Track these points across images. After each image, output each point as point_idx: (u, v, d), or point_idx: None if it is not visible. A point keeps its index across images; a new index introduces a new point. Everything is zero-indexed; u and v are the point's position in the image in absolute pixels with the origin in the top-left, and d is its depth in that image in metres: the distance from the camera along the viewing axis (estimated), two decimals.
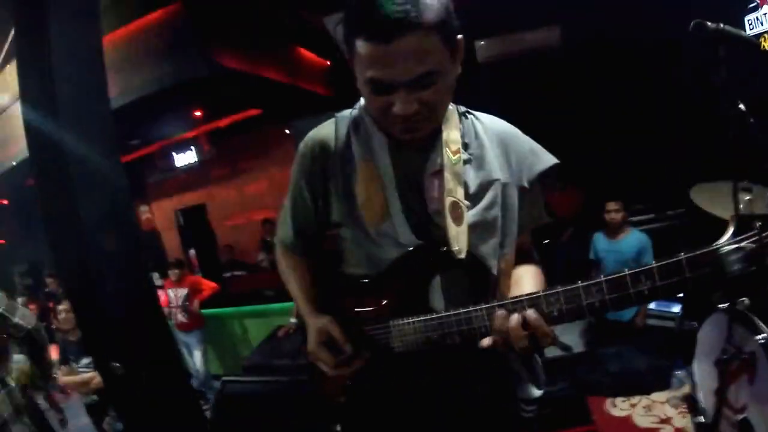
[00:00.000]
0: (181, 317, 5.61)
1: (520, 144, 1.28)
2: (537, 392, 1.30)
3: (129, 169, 8.69)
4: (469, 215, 1.18)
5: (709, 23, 2.05)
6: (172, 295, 5.67)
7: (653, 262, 0.90)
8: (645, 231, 4.33)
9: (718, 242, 0.86)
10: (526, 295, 1.03)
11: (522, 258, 1.31)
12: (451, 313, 1.11)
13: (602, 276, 0.94)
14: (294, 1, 6.05)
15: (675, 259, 0.87)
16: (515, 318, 1.01)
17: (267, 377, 3.31)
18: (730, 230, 0.86)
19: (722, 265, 0.85)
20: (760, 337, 2.20)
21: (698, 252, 0.86)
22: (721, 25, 2.04)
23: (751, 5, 4.09)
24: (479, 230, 1.19)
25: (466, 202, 1.19)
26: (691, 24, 2.08)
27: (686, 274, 0.87)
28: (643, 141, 6.09)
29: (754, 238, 0.84)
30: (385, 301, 1.22)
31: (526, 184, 1.26)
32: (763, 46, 4.05)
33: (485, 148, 1.24)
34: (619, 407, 3.12)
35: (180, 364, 3.97)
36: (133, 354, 3.20)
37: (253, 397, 3.24)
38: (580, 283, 0.96)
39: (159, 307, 3.88)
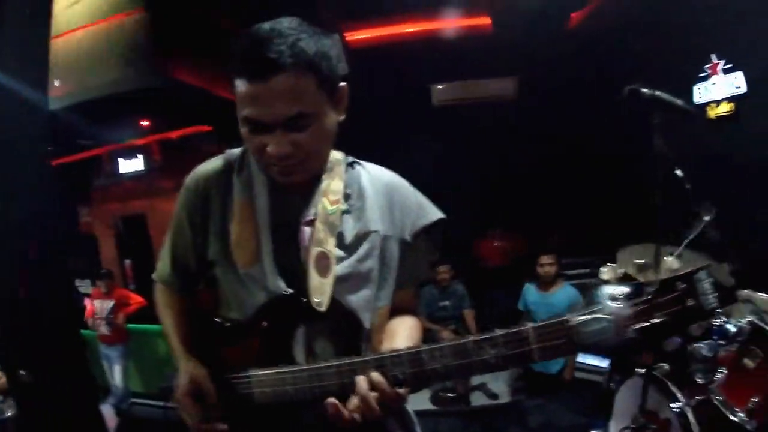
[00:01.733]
0: (104, 329, 5.49)
1: (407, 197, 1.28)
2: None
3: (75, 171, 8.45)
4: (342, 266, 1.16)
5: (644, 90, 2.11)
6: (98, 306, 5.56)
7: None
8: (577, 285, 4.43)
9: (567, 315, 0.85)
10: (372, 355, 1.03)
11: (402, 311, 1.28)
12: (304, 368, 1.08)
13: (444, 342, 0.95)
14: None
15: (522, 329, 0.87)
16: (361, 387, 0.99)
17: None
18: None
19: (572, 338, 0.84)
20: (675, 405, 2.22)
21: (546, 323, 0.86)
22: (656, 92, 2.11)
23: (701, 74, 4.27)
24: (351, 282, 1.17)
25: (340, 253, 1.17)
26: (625, 90, 2.15)
27: (531, 345, 0.87)
28: (583, 197, 6.29)
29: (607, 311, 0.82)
30: (248, 348, 1.17)
31: (408, 238, 1.25)
32: (709, 115, 4.23)
33: (367, 199, 1.23)
34: None
35: (90, 378, 3.77)
36: (43, 364, 3.05)
37: (158, 423, 3.08)
38: (423, 347, 0.96)
39: (78, 319, 3.72)
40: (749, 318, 2.26)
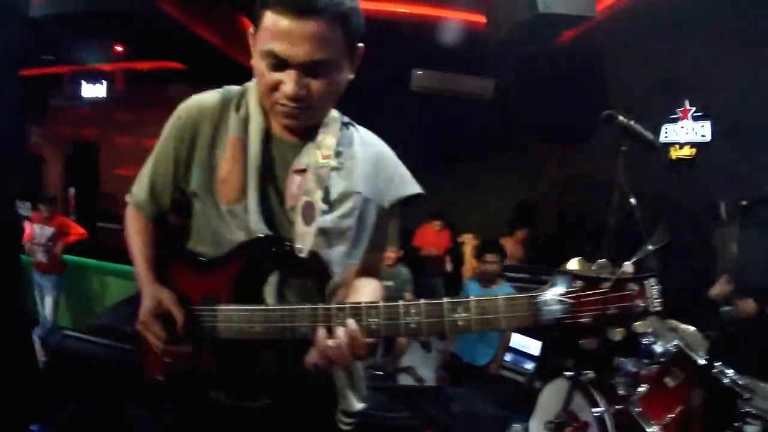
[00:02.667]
0: (41, 257, 5.25)
1: (391, 166, 1.33)
2: (358, 405, 1.31)
3: (33, 86, 8.04)
4: (324, 219, 1.19)
5: (620, 117, 2.22)
6: (37, 231, 5.30)
7: None
8: (516, 288, 4.57)
9: (535, 291, 0.94)
10: (350, 303, 1.07)
11: (366, 273, 1.33)
12: (277, 307, 1.11)
13: (422, 299, 1.00)
14: None
15: (492, 297, 0.95)
16: (339, 332, 1.03)
17: (108, 341, 3.09)
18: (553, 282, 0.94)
19: (537, 312, 0.92)
20: (596, 410, 2.37)
21: (516, 296, 0.94)
22: (631, 122, 2.22)
23: (672, 116, 4.46)
24: (330, 236, 1.20)
25: (323, 206, 1.19)
26: (603, 113, 2.25)
27: (500, 314, 0.94)
28: (538, 207, 6.48)
29: (571, 295, 0.92)
30: (220, 284, 1.19)
31: (386, 205, 1.30)
32: (671, 156, 4.44)
33: (356, 160, 1.27)
34: None
35: (24, 305, 3.65)
36: None
37: (90, 358, 3.03)
38: (401, 302, 1.01)
39: (18, 238, 3.57)
40: (676, 342, 2.42)
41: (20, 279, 3.41)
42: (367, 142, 1.32)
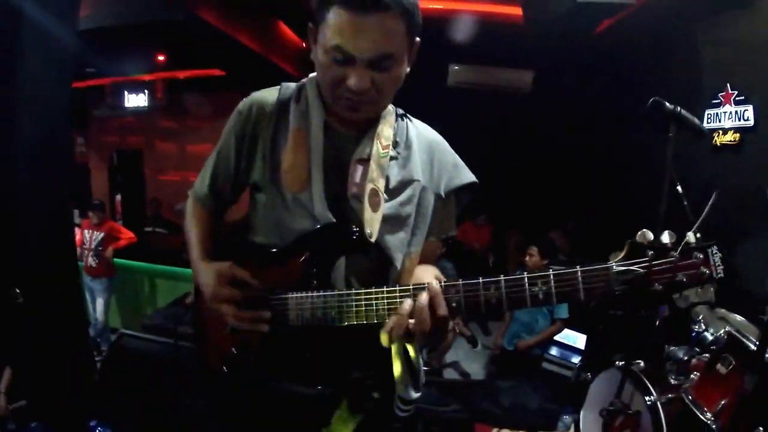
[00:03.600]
0: (91, 261, 5.42)
1: (446, 155, 1.36)
2: (415, 394, 1.34)
3: (76, 98, 8.34)
4: (386, 207, 1.23)
5: (666, 103, 2.20)
6: (87, 237, 5.48)
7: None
8: None
9: (610, 262, 0.96)
10: (427, 283, 1.07)
11: (426, 261, 1.35)
12: (352, 291, 1.13)
13: (502, 275, 1.02)
14: None
15: (571, 270, 0.96)
16: (422, 297, 1.04)
17: (165, 338, 3.20)
18: (622, 254, 0.96)
19: (610, 282, 0.94)
20: (648, 398, 2.34)
21: (593, 267, 0.96)
22: (678, 108, 2.20)
23: (714, 101, 4.36)
24: (391, 223, 1.24)
25: (385, 195, 1.23)
26: (650, 101, 2.23)
27: (579, 285, 0.96)
28: (582, 199, 6.39)
29: (643, 264, 0.94)
30: (288, 272, 1.22)
31: (442, 193, 1.33)
32: (715, 142, 4.34)
33: (413, 150, 1.31)
34: None
35: (81, 306, 3.80)
36: (37, 285, 3.06)
37: (147, 356, 3.14)
38: (480, 279, 1.02)
39: (73, 244, 3.71)
40: (727, 329, 2.38)
41: (77, 283, 3.55)
42: (421, 133, 1.36)
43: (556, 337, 4.43)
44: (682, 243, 0.94)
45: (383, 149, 1.25)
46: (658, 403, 2.33)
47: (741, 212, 3.50)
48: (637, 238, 0.95)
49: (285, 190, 1.24)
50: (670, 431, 2.26)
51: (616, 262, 0.95)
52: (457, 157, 1.38)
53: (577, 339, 4.44)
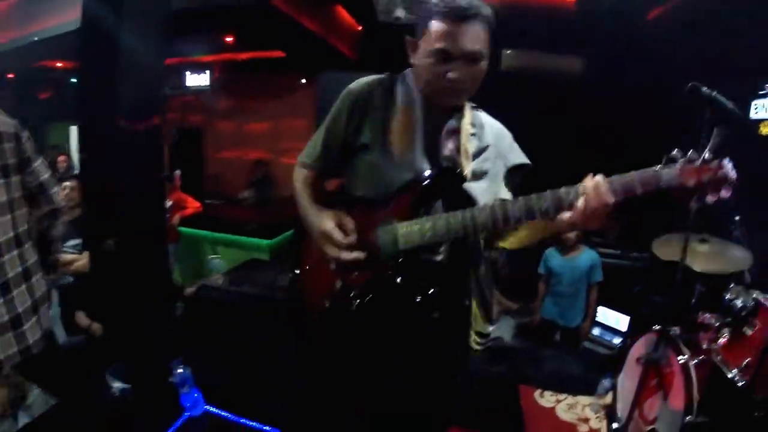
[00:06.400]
0: None
1: (506, 139, 1.73)
2: (490, 328, 1.67)
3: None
4: (470, 164, 1.58)
5: (704, 88, 2.36)
6: None
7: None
8: (609, 266, 4.72)
9: (656, 167, 1.29)
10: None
11: None
12: (458, 212, 1.46)
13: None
14: None
15: (629, 174, 1.31)
16: (587, 180, 1.36)
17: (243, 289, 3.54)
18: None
19: (658, 181, 1.27)
20: (680, 357, 2.55)
21: (642, 171, 1.29)
22: (714, 92, 2.36)
23: (762, 92, 4.39)
24: (475, 177, 1.59)
25: (471, 156, 1.60)
26: (688, 86, 2.40)
27: (635, 183, 1.29)
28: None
29: (678, 167, 1.27)
30: (396, 212, 1.55)
31: (504, 169, 1.69)
32: (761, 131, 4.38)
33: (485, 131, 1.68)
34: (546, 398, 3.43)
35: (166, 257, 4.16)
36: (132, 235, 3.42)
37: (225, 305, 3.47)
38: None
39: (163, 200, 4.06)
40: (755, 296, 2.61)
41: (163, 236, 3.93)
42: (489, 122, 1.72)
43: (599, 318, 4.59)
44: (703, 155, 1.26)
45: (467, 125, 1.62)
46: (690, 364, 2.52)
47: None
48: (671, 154, 1.27)
49: (394, 151, 1.59)
50: (700, 389, 2.46)
51: (657, 168, 1.28)
52: (514, 141, 1.74)
53: (619, 320, 4.58)
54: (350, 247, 1.55)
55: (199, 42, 7.78)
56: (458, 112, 1.62)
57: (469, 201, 1.55)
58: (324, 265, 1.62)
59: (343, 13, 7.21)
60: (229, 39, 7.73)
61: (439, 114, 1.60)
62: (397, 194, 1.56)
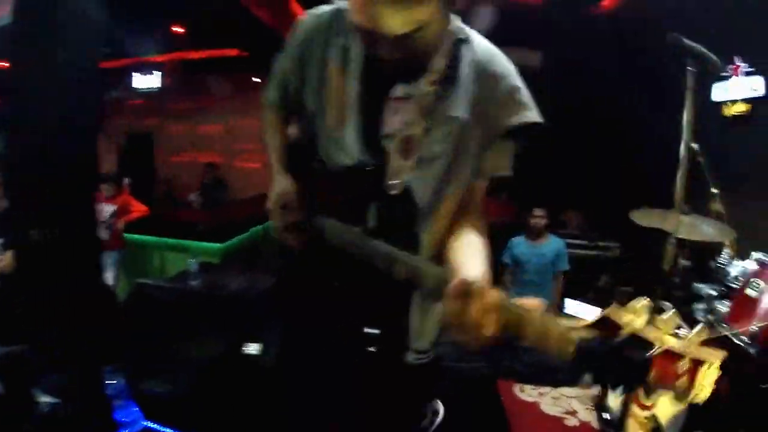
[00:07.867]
0: (103, 234, 5.35)
1: (506, 88, 1.22)
2: (427, 345, 1.39)
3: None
4: (419, 147, 1.20)
5: (684, 40, 2.25)
6: (99, 210, 5.41)
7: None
8: (577, 257, 4.67)
9: None
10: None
11: (469, 206, 1.28)
12: (378, 246, 1.12)
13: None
14: None
15: None
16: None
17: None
18: None
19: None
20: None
21: None
22: (693, 43, 2.25)
23: (723, 74, 4.35)
24: (424, 164, 1.20)
25: (422, 138, 1.19)
26: (667, 36, 2.28)
27: None
28: (591, 170, 6.37)
29: None
30: (335, 197, 1.28)
31: (500, 130, 1.23)
32: (724, 112, 4.36)
33: (461, 81, 1.19)
34: (527, 393, 3.22)
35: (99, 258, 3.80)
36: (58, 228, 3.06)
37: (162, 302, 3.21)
38: None
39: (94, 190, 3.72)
40: (756, 257, 2.46)
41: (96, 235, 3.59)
42: (480, 61, 1.21)
43: (568, 310, 4.43)
44: None
45: (429, 85, 1.17)
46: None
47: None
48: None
49: (327, 120, 1.26)
50: None
51: None
52: (522, 91, 1.24)
53: (588, 313, 4.38)
54: (287, 229, 1.31)
55: (148, 39, 7.39)
56: (416, 65, 1.15)
57: (410, 205, 1.22)
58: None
59: (296, 6, 6.94)
60: (179, 30, 7.29)
61: (386, 70, 1.14)
62: (327, 180, 1.27)
